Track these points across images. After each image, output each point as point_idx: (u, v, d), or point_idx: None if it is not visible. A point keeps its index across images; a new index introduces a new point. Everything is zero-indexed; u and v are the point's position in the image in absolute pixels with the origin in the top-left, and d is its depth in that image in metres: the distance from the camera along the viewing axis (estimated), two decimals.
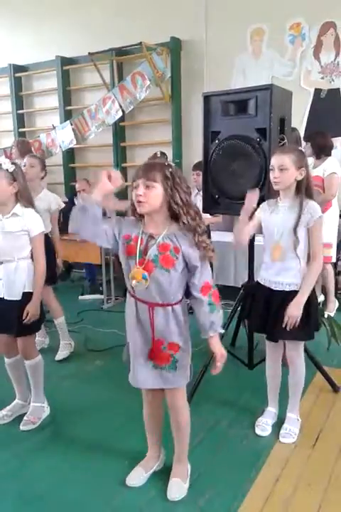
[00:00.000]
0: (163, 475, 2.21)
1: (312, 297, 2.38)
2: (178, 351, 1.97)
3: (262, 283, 2.48)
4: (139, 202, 1.84)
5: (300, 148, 2.57)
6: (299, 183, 2.32)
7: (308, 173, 2.35)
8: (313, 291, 2.41)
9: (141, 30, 5.15)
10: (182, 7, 5.08)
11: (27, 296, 2.54)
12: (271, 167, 2.35)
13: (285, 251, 2.35)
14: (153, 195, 1.82)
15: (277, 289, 2.40)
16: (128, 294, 2.02)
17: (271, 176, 2.35)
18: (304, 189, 2.32)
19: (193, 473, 2.20)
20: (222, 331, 1.98)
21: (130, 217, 1.97)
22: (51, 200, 3.51)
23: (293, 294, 2.34)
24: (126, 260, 1.94)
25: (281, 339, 2.47)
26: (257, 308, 2.50)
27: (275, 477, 2.21)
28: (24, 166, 3.40)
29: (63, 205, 3.66)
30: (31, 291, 2.55)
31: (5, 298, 2.55)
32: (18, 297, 2.54)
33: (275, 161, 2.32)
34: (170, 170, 1.83)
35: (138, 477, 2.19)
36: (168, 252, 1.85)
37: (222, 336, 2.93)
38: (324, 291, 4.17)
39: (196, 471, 2.22)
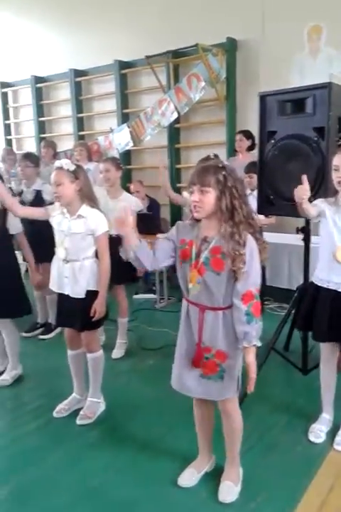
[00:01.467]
0: (214, 477, 2.22)
1: None
2: (226, 361, 1.95)
3: (325, 285, 2.39)
4: (195, 207, 1.87)
5: None
6: None
7: None
8: None
9: (196, 31, 5.17)
10: (238, 7, 5.04)
11: (90, 294, 2.63)
12: (334, 167, 2.27)
13: None
14: (207, 201, 1.84)
15: None
16: (183, 298, 2.04)
17: (334, 175, 2.28)
18: None
19: (245, 477, 2.19)
20: (258, 344, 1.90)
21: (186, 222, 2.01)
22: (132, 201, 3.56)
23: None
24: (181, 264, 1.97)
25: None
26: (321, 314, 2.40)
27: (329, 486, 2.15)
28: (101, 172, 3.54)
29: (141, 208, 3.76)
30: (95, 289, 2.64)
31: (70, 295, 2.66)
32: (82, 295, 2.64)
33: (339, 160, 2.25)
34: (224, 173, 1.84)
35: (190, 478, 2.21)
36: (219, 255, 1.86)
37: (274, 341, 2.93)
38: None
39: (248, 475, 2.21)
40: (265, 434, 2.57)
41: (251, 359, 1.89)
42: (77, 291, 2.64)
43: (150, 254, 1.98)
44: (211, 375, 1.97)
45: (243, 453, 2.22)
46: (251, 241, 1.86)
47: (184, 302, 2.03)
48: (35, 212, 2.86)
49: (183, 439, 2.50)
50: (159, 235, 4.48)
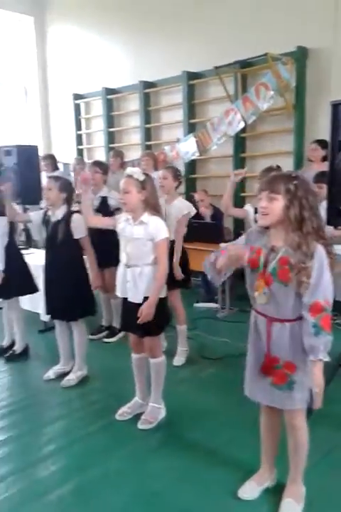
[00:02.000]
0: (275, 492, 2.18)
1: None
2: (295, 372, 1.92)
3: None
4: (262, 214, 1.86)
5: None
6: None
7: None
8: None
9: (265, 41, 5.13)
10: (309, 16, 4.94)
11: None
12: None
13: None
14: (275, 208, 1.83)
15: None
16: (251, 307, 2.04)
17: None
18: None
19: (308, 496, 2.13)
20: (325, 359, 1.83)
21: (257, 230, 2.00)
22: (182, 206, 3.62)
23: None
24: (249, 272, 1.97)
25: None
26: None
27: None
28: (159, 178, 3.62)
29: (194, 212, 3.79)
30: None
31: (129, 300, 2.73)
32: (140, 301, 2.68)
33: None
34: (295, 182, 1.82)
35: (251, 490, 2.18)
36: (287, 266, 1.83)
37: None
38: None
39: (311, 493, 2.14)
40: (330, 453, 2.48)
41: (317, 374, 1.84)
42: (136, 296, 2.69)
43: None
44: (280, 385, 1.95)
45: (307, 470, 2.16)
46: (320, 252, 1.81)
47: (252, 311, 2.03)
48: (104, 222, 3.01)
49: (244, 450, 2.48)
50: (222, 244, 4.47)
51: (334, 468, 2.37)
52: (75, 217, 3.21)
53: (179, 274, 3.56)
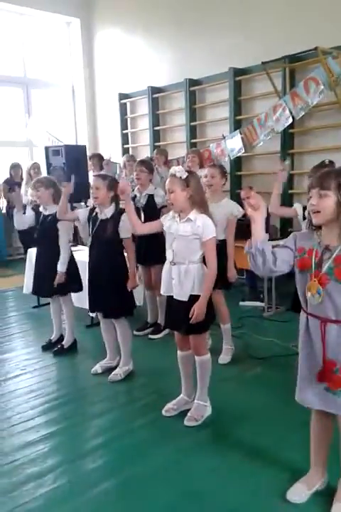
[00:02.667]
0: (326, 496, 2.11)
1: None
2: None
3: None
4: (313, 212, 1.82)
5: None
6: None
7: None
8: None
9: (314, 34, 5.01)
10: None
11: (195, 299, 2.66)
12: None
13: None
14: (326, 205, 1.78)
15: None
16: (301, 310, 1.99)
17: None
18: None
19: None
20: None
21: (305, 231, 1.96)
22: (232, 207, 3.58)
23: None
24: (299, 273, 1.93)
25: None
26: None
27: None
28: (205, 176, 3.58)
29: (243, 213, 3.74)
30: (199, 294, 2.66)
31: (174, 297, 2.73)
32: (185, 299, 2.68)
33: None
34: None
35: (300, 493, 2.13)
36: None
37: None
38: None
39: None
40: None
41: None
42: (181, 293, 2.69)
43: (272, 258, 1.90)
44: (336, 390, 1.89)
45: None
46: None
47: (302, 314, 1.97)
48: (152, 227, 2.98)
49: (292, 451, 2.43)
50: (276, 243, 4.39)
51: None
52: (124, 216, 3.23)
53: (232, 275, 3.54)
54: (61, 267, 3.74)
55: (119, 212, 3.29)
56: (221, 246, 3.28)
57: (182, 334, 2.79)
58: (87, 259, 3.56)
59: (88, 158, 6.38)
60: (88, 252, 3.51)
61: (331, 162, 4.00)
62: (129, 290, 3.35)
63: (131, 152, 7.92)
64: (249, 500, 2.17)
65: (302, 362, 1.99)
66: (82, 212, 3.62)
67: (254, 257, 1.89)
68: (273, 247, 1.97)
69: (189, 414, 2.83)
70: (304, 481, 2.16)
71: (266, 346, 3.89)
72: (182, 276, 2.68)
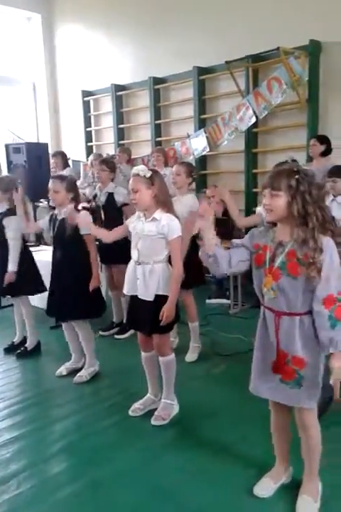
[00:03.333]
0: (291, 489, 2.15)
1: None
2: (304, 368, 1.89)
3: None
4: (266, 211, 1.87)
5: None
6: None
7: None
8: None
9: (277, 35, 5.07)
10: (322, 9, 4.87)
11: (160, 299, 2.63)
12: None
13: None
14: (278, 204, 1.82)
15: None
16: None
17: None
18: None
19: (325, 494, 2.09)
20: None
21: (261, 228, 2.00)
22: (189, 202, 3.54)
23: None
24: (255, 269, 1.96)
25: None
26: None
27: None
28: (172, 174, 3.58)
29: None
30: (165, 294, 2.64)
31: (140, 298, 2.70)
32: (150, 298, 2.66)
33: None
34: (297, 177, 1.79)
35: (266, 488, 2.15)
36: (296, 260, 1.81)
37: None
38: None
39: (328, 492, 2.11)
40: None
41: (339, 366, 1.81)
42: (146, 293, 2.66)
43: (227, 259, 1.98)
44: (288, 381, 1.93)
45: (323, 467, 2.12)
46: (329, 244, 1.80)
47: (261, 307, 2.01)
48: (119, 233, 2.91)
49: (259, 447, 2.45)
50: (234, 240, 4.43)
51: None
52: (83, 213, 3.17)
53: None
54: (11, 266, 3.58)
55: (77, 210, 3.22)
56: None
57: (145, 334, 2.77)
58: (50, 259, 3.47)
59: (50, 156, 6.26)
60: (52, 254, 3.41)
61: (294, 160, 4.06)
62: (91, 289, 3.24)
63: (95, 150, 7.82)
64: (216, 496, 2.17)
65: (258, 353, 2.03)
66: (43, 222, 3.54)
67: (208, 264, 1.99)
68: (233, 245, 2.02)
69: (156, 413, 2.81)
70: (270, 475, 2.19)
71: (232, 343, 3.92)
72: (148, 275, 2.65)
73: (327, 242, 1.80)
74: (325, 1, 4.87)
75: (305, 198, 1.78)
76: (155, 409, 2.85)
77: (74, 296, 3.21)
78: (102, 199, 4.09)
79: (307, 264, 1.77)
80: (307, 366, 1.89)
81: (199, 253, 2.01)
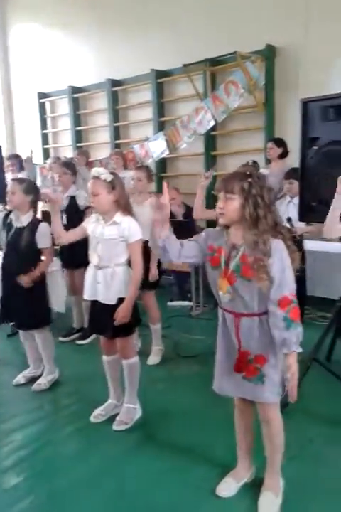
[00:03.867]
0: (254, 487, 2.16)
1: None
2: (265, 365, 1.92)
3: None
4: (219, 214, 1.88)
5: None
6: None
7: None
8: None
9: (235, 39, 5.14)
10: (277, 14, 4.99)
11: (122, 302, 2.60)
12: None
13: None
14: (231, 208, 1.84)
15: None
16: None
17: None
18: None
19: (286, 489, 2.12)
20: (298, 350, 1.84)
21: (216, 228, 2.01)
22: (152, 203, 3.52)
23: None
24: (211, 271, 1.97)
25: None
26: None
27: None
28: (132, 179, 3.56)
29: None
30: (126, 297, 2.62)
31: (102, 302, 2.66)
32: (113, 302, 2.62)
33: None
34: (249, 180, 1.82)
35: (228, 488, 2.16)
36: (248, 262, 1.83)
37: (316, 352, 2.85)
38: None
39: (289, 487, 2.13)
40: (307, 446, 2.49)
41: (292, 366, 1.83)
42: (108, 297, 2.63)
43: (178, 247, 1.98)
44: (251, 378, 1.95)
45: (284, 464, 2.15)
46: (278, 247, 1.83)
47: (219, 309, 2.02)
48: (77, 234, 2.85)
49: (222, 447, 2.46)
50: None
51: (313, 460, 2.38)
52: (42, 226, 3.10)
53: (155, 274, 3.52)
54: None
55: (37, 222, 3.15)
56: (145, 247, 3.26)
57: (108, 338, 2.73)
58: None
59: (5, 158, 6.09)
60: (2, 259, 3.30)
61: (255, 162, 4.13)
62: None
63: (52, 153, 7.68)
64: (179, 498, 2.16)
65: (221, 352, 2.04)
66: None
67: (161, 253, 1.99)
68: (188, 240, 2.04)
69: (118, 418, 2.77)
70: (232, 475, 2.20)
71: (194, 345, 3.93)
72: (109, 279, 2.62)
73: (277, 244, 1.82)
74: (280, 5, 4.99)
75: (256, 202, 1.81)
76: (118, 414, 2.80)
77: (29, 306, 3.11)
78: (64, 203, 4.01)
79: (257, 267, 1.79)
80: (269, 363, 1.92)
81: (149, 242, 2.01)
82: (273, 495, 2.07)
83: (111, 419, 2.80)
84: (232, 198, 1.83)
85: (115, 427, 2.73)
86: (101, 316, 2.68)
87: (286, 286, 1.81)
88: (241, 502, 2.12)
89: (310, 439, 2.55)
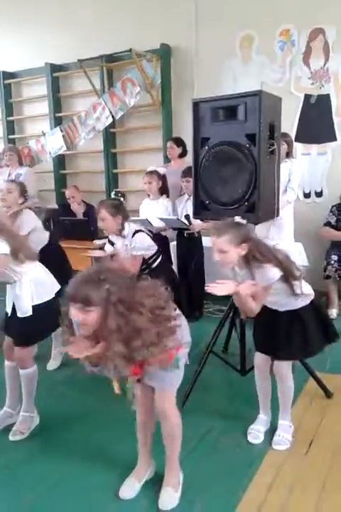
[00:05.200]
0: (155, 483, 2.18)
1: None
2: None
3: None
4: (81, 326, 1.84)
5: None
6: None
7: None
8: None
9: (131, 36, 5.15)
10: (172, 14, 5.08)
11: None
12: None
13: None
14: (89, 320, 1.75)
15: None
16: None
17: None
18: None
19: (185, 482, 2.17)
20: None
21: None
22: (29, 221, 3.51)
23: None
24: None
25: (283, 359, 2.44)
26: (259, 326, 2.51)
27: (268, 484, 2.18)
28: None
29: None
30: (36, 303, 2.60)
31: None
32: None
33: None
34: (107, 287, 1.70)
35: (130, 489, 2.15)
36: None
37: (213, 344, 2.96)
38: None
39: (188, 480, 2.19)
40: (204, 438, 2.56)
41: None
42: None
43: None
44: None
45: (183, 457, 2.21)
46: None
47: None
48: None
49: (123, 448, 2.44)
50: (95, 241, 4.39)
51: (210, 451, 2.46)
52: None
53: None
54: None
55: None
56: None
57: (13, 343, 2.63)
58: None
59: None
60: None
61: (122, 195, 4.14)
62: None
63: None
64: (81, 504, 2.11)
65: None
66: None
67: None
68: None
69: (14, 428, 2.65)
70: (133, 475, 2.20)
71: None
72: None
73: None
74: (173, 6, 5.08)
75: (118, 310, 1.69)
76: (14, 423, 2.68)
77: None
78: None
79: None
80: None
81: None
82: (172, 490, 2.10)
83: (8, 429, 2.66)
84: (91, 310, 1.70)
85: (11, 437, 2.61)
86: (12, 322, 2.62)
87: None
88: (143, 500, 2.12)
89: (208, 430, 2.63)
